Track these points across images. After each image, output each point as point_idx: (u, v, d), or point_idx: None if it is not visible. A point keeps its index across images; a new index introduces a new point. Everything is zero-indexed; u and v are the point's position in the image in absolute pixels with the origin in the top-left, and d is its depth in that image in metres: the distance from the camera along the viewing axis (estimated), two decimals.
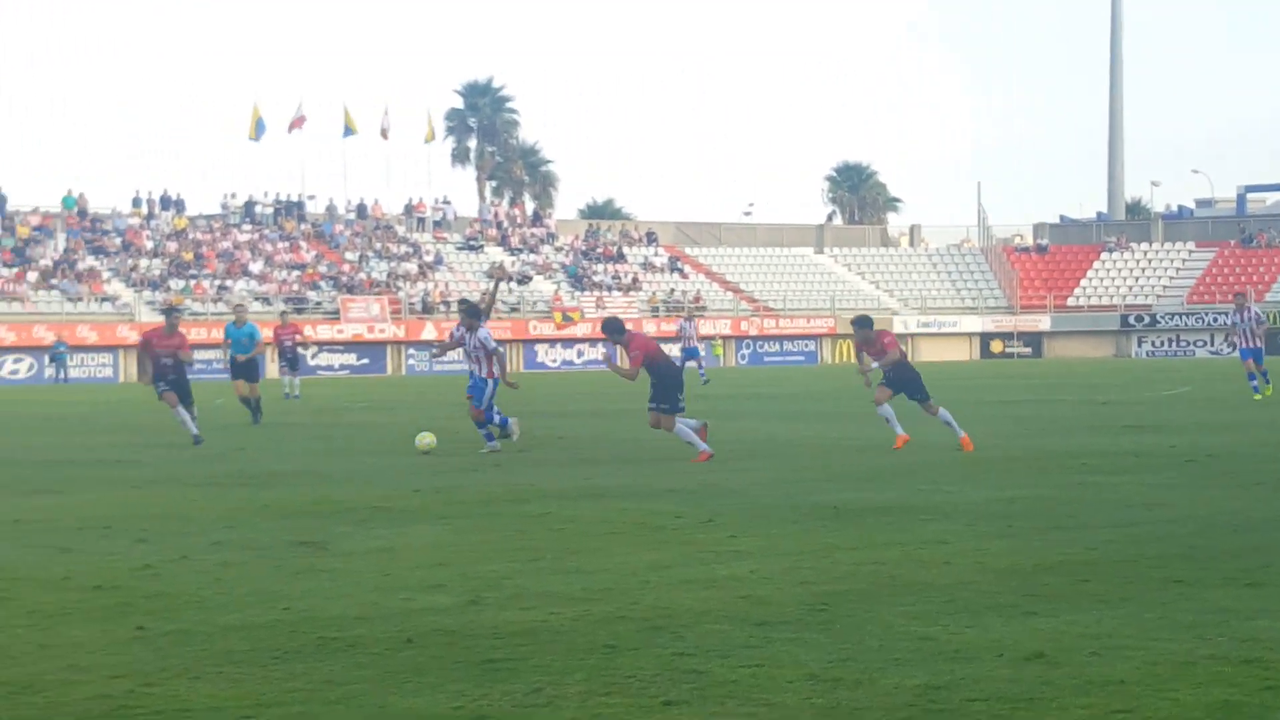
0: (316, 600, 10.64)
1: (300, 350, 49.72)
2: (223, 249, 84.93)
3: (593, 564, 12.05)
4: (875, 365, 23.14)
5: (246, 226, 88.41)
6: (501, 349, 24.63)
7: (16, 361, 72.02)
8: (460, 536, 13.78)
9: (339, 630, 9.53)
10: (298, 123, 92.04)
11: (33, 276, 77.80)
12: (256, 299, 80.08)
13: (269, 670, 8.46)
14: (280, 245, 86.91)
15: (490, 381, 24.21)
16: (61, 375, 71.18)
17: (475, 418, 24.09)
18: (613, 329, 22.31)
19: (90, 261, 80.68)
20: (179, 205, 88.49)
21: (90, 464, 22.56)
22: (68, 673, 8.45)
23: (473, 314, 24.56)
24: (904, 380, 23.07)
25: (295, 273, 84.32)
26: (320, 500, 16.97)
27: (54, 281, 77.86)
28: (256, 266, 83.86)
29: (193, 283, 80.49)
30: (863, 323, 23.57)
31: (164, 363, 26.61)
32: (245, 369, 33.70)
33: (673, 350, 54.62)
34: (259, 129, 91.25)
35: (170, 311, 27.79)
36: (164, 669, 8.50)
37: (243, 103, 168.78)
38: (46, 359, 72.25)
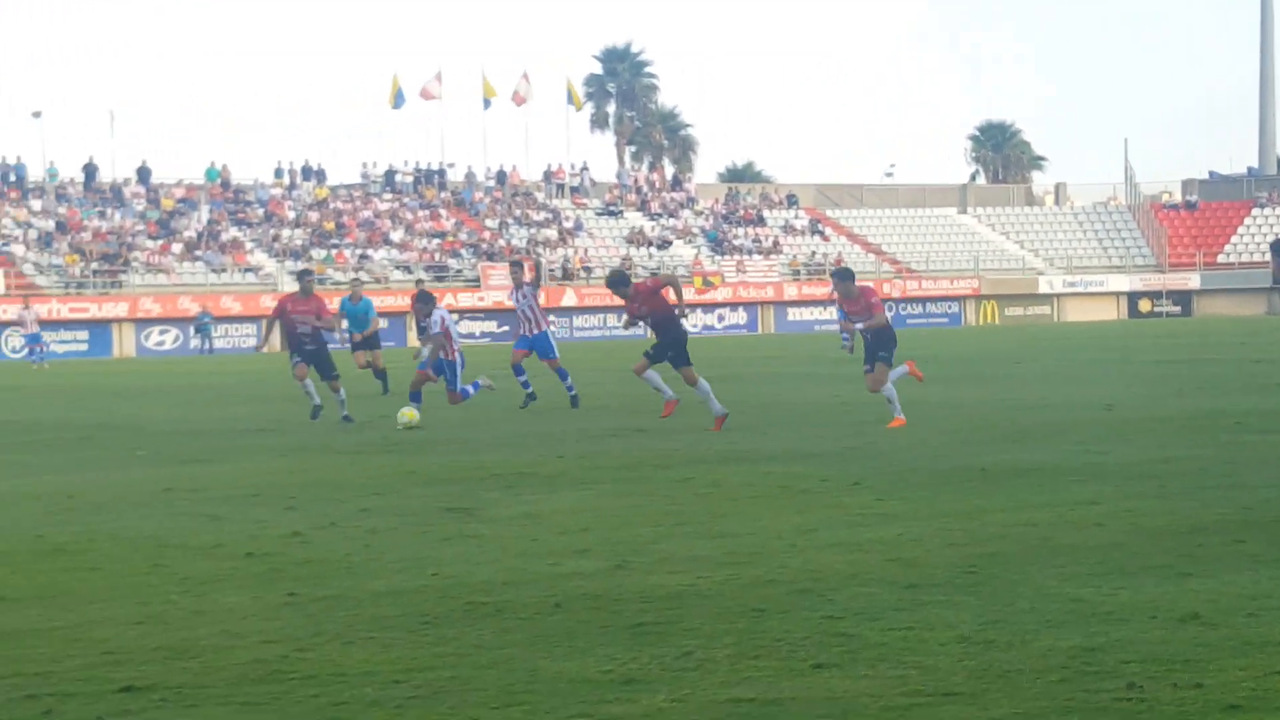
0: (464, 565, 10.68)
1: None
2: (363, 218, 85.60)
3: (738, 528, 12.01)
4: (859, 327, 21.50)
5: (387, 195, 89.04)
6: (439, 332, 24.52)
7: (162, 333, 73.06)
8: (605, 501, 13.79)
9: (487, 595, 9.56)
10: (427, 92, 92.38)
11: (177, 248, 78.83)
12: (397, 267, 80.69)
13: (419, 635, 8.50)
14: (420, 213, 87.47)
15: (458, 360, 24.48)
16: (206, 346, 72.11)
17: (452, 402, 24.58)
18: (618, 282, 22.42)
19: (233, 232, 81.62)
20: (320, 175, 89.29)
21: (237, 433, 22.82)
22: (222, 638, 8.53)
23: (426, 300, 24.99)
24: (880, 342, 21.19)
25: (435, 241, 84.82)
26: (466, 466, 17.04)
27: (198, 253, 78.86)
28: (397, 235, 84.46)
29: (334, 252, 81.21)
30: (843, 275, 21.89)
31: (300, 331, 24.59)
32: (364, 341, 33.52)
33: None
34: (398, 98, 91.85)
35: (304, 274, 25.90)
36: (316, 634, 8.56)
37: (382, 72, 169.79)
38: (192, 330, 73.20)
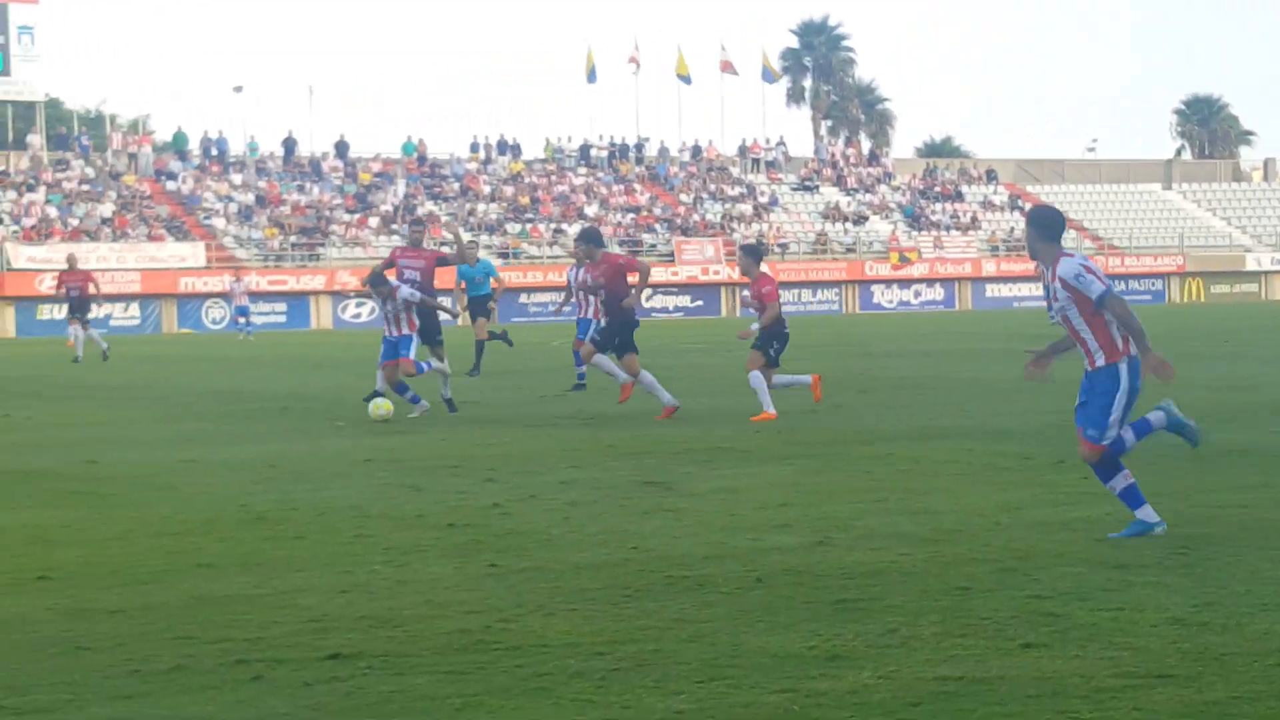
0: (664, 539, 10.66)
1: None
2: (558, 192, 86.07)
3: (940, 505, 11.86)
4: (755, 325, 20.32)
5: (582, 169, 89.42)
6: (415, 297, 21.65)
7: (359, 306, 73.94)
8: (804, 477, 13.70)
9: (688, 569, 9.53)
10: (633, 58, 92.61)
11: (374, 222, 79.78)
12: None
13: (621, 608, 8.48)
14: (615, 188, 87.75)
15: (414, 335, 21.55)
16: None
17: (406, 370, 21.37)
18: (593, 238, 21.76)
19: (429, 206, 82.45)
20: (515, 149, 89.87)
21: (434, 404, 22.95)
22: (426, 608, 8.58)
23: (379, 283, 21.76)
24: (770, 336, 20.34)
25: (630, 215, 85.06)
26: (662, 440, 17.02)
27: (394, 226, 79.74)
28: (591, 209, 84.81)
29: (529, 226, 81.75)
30: (750, 251, 20.90)
31: (406, 280, 22.57)
32: (483, 307, 30.94)
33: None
34: (592, 73, 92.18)
35: (415, 223, 23.87)
36: (519, 605, 8.58)
37: (577, 45, 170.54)
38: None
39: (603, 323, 21.34)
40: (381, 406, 20.44)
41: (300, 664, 7.39)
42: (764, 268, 21.32)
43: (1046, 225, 10.66)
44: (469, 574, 9.55)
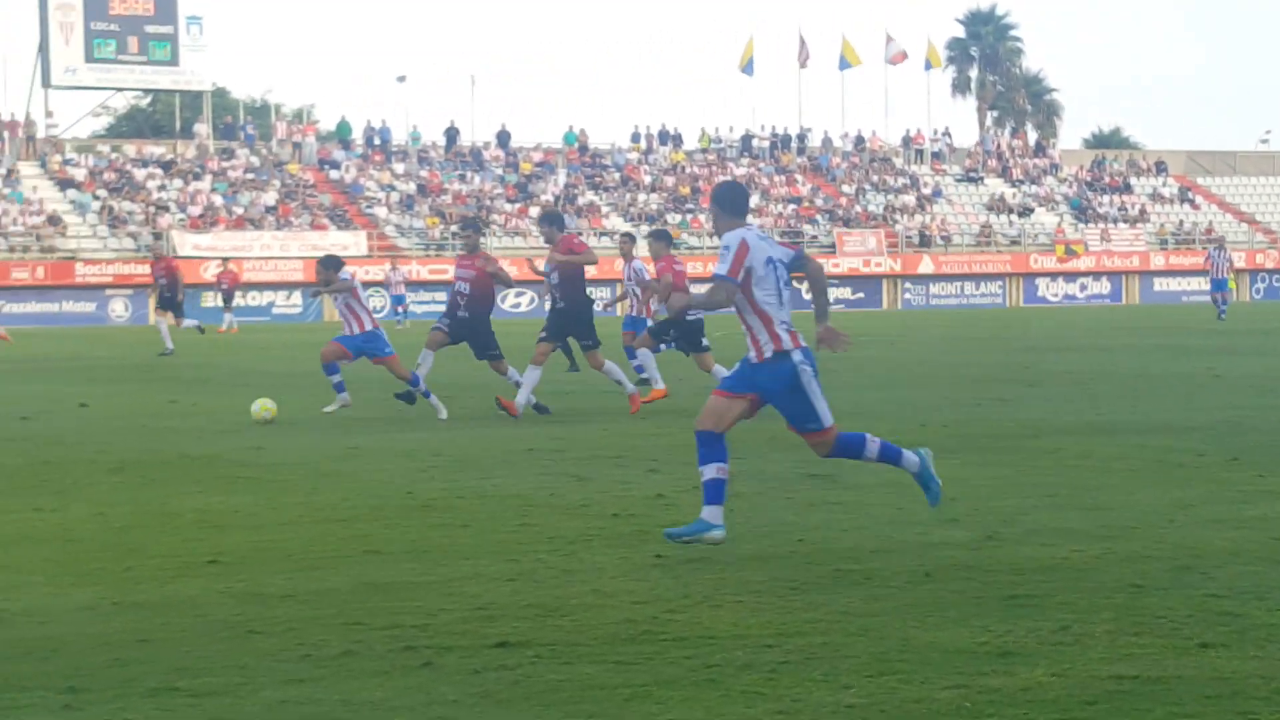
0: (830, 532, 10.58)
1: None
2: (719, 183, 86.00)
3: (1112, 501, 11.67)
4: (654, 307, 19.80)
5: (743, 160, 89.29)
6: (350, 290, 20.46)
7: (518, 295, 74.35)
8: (971, 471, 13.54)
9: (855, 562, 9.45)
10: (803, 58, 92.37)
11: (534, 212, 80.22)
12: None
13: (788, 600, 8.42)
14: (777, 179, 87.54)
15: (377, 330, 20.51)
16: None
17: (333, 357, 20.34)
18: (555, 220, 20.64)
19: (590, 196, 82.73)
20: (676, 139, 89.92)
21: (597, 394, 23.03)
22: (592, 597, 8.58)
23: (333, 266, 20.70)
24: (686, 331, 20.01)
25: (791, 206, 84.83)
26: None
27: None
28: (752, 200, 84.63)
29: (689, 217, 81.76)
30: (660, 235, 20.53)
31: (458, 290, 20.88)
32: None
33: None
34: (750, 62, 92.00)
35: (467, 224, 21.83)
36: (685, 596, 8.55)
37: (738, 34, 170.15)
38: (544, 292, 74.29)
39: (558, 306, 20.44)
40: (264, 409, 19.23)
41: (468, 651, 7.41)
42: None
43: (728, 200, 10.41)
44: (635, 564, 9.53)
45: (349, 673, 7.08)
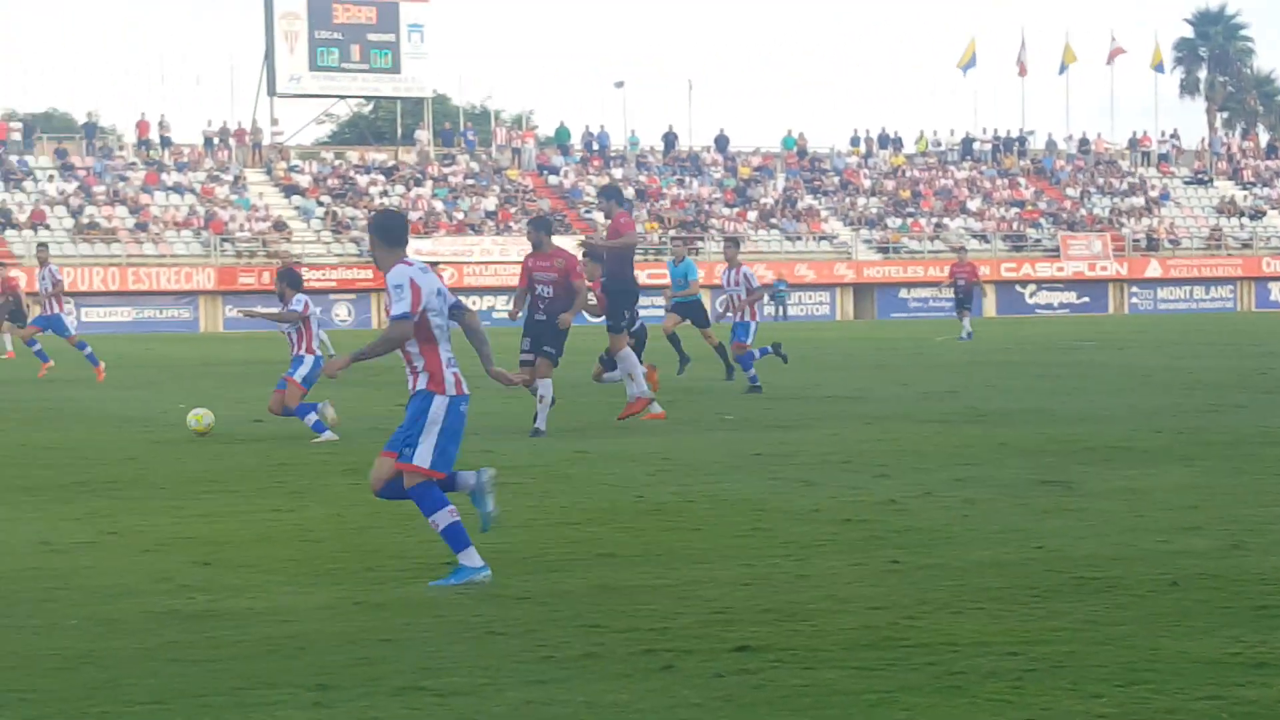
0: (1067, 539, 10.42)
1: (975, 288, 46.70)
2: (940, 186, 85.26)
3: None
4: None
5: (964, 163, 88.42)
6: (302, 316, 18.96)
7: None
8: (1212, 479, 13.25)
9: (1096, 570, 9.29)
10: (1022, 62, 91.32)
11: (753, 216, 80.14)
12: (974, 236, 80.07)
13: (1028, 608, 8.30)
14: (999, 182, 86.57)
15: (311, 358, 18.82)
16: (781, 313, 73.12)
17: (291, 397, 18.61)
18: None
19: (809, 200, 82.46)
20: (896, 143, 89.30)
21: (820, 399, 22.91)
22: (828, 602, 8.52)
23: (293, 282, 19.26)
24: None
25: (1014, 210, 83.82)
26: (1057, 439, 16.65)
27: (773, 220, 79.98)
28: (974, 204, 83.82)
29: (910, 221, 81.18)
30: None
31: (539, 294, 18.66)
32: (689, 310, 28.37)
33: None
34: (971, 61, 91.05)
35: (535, 222, 19.77)
36: (923, 602, 8.46)
37: (958, 35, 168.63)
38: (766, 297, 74.28)
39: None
40: (198, 419, 18.42)
41: (708, 655, 7.39)
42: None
43: (386, 230, 9.91)
44: (870, 570, 9.46)
45: (591, 674, 7.10)
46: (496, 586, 9.10)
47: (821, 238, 79.44)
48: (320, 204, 75.22)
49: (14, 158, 73.69)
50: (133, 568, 9.88)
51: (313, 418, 18.24)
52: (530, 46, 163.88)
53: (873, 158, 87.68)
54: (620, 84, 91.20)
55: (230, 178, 75.81)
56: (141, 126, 78.43)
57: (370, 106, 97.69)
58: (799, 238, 79.16)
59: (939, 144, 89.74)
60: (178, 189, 74.07)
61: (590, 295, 19.77)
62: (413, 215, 74.27)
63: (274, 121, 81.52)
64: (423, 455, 9.42)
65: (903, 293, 75.42)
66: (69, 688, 6.96)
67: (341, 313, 69.24)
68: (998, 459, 14.96)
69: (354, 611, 8.53)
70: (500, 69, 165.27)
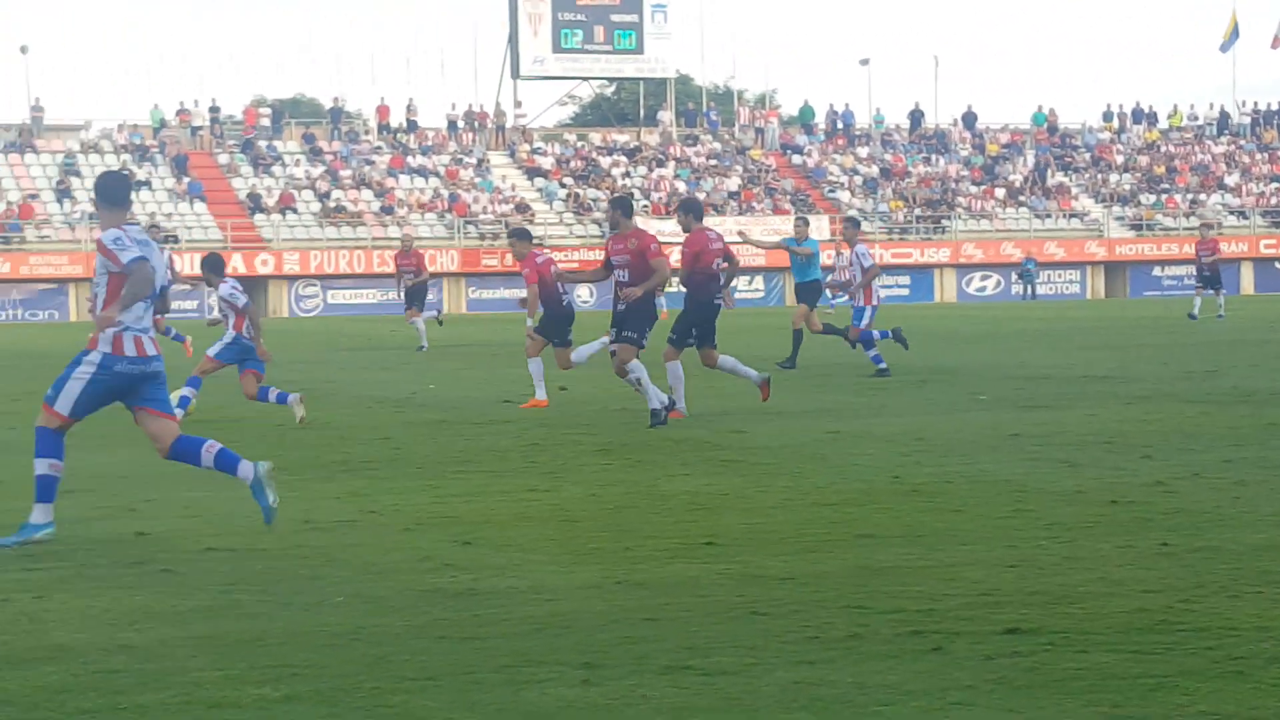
0: None
1: (1219, 266, 44.01)
2: (1196, 162, 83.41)
3: None
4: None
5: (1222, 138, 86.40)
6: (242, 304, 18.85)
7: (984, 278, 73.56)
8: None
9: None
10: (1277, 41, 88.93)
11: (1000, 193, 79.12)
12: (1231, 213, 78.25)
13: None
14: (1259, 156, 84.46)
15: (234, 334, 18.77)
16: (1029, 292, 72.11)
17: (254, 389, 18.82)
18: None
19: (1059, 177, 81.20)
20: (1151, 117, 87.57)
21: (1076, 379, 22.48)
22: (1100, 585, 8.32)
23: (215, 269, 19.20)
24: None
25: (1274, 185, 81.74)
26: None
27: (1022, 198, 78.88)
28: (1232, 179, 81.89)
29: (1164, 197, 79.53)
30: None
31: (619, 280, 18.08)
32: (806, 293, 27.50)
33: None
34: (1232, 37, 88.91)
35: (616, 203, 18.68)
36: (1199, 586, 8.23)
37: (1216, 7, 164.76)
38: (1014, 275, 73.34)
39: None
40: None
41: (977, 637, 7.25)
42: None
43: (107, 192, 10.31)
44: (1141, 552, 9.22)
45: (858, 655, 7.00)
46: (756, 567, 9.03)
47: (1071, 215, 78.18)
48: (563, 185, 75.82)
49: (263, 143, 75.39)
50: (395, 546, 9.99)
51: (275, 393, 18.53)
52: (773, 25, 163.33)
53: (1126, 133, 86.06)
54: (865, 61, 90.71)
55: (474, 160, 76.76)
56: (381, 111, 79.71)
57: (613, 88, 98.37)
58: (1048, 215, 77.96)
59: (1195, 118, 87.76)
60: (422, 172, 75.17)
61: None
62: (655, 196, 74.54)
63: (517, 104, 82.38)
64: (63, 401, 10.20)
65: (1156, 270, 73.97)
66: (340, 663, 7.04)
67: (584, 293, 69.70)
68: (1268, 440, 14.55)
69: (616, 591, 8.51)
70: (743, 48, 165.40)
